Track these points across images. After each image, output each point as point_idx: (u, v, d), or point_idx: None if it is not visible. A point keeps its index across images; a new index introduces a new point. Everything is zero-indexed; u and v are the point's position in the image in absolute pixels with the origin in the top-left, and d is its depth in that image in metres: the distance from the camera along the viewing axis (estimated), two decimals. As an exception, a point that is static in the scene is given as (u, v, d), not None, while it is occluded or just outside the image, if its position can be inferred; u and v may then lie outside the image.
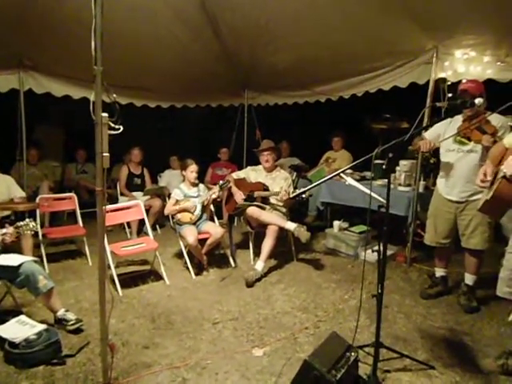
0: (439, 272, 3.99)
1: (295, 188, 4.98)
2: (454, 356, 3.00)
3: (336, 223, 5.16)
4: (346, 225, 5.18)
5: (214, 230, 4.50)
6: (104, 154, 1.91)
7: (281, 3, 3.99)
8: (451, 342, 3.20)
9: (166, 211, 4.68)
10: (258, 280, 4.27)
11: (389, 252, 4.83)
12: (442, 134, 3.66)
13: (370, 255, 4.69)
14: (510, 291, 2.62)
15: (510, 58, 3.99)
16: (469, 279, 3.77)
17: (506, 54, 3.97)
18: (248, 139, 7.18)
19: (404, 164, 4.78)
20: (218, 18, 4.55)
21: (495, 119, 3.36)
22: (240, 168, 5.98)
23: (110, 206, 4.32)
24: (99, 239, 2.24)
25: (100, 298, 2.29)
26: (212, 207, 4.89)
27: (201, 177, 6.45)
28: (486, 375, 2.78)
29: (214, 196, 4.57)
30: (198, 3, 4.25)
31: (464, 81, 3.67)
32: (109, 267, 3.97)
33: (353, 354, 2.53)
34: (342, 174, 2.56)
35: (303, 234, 4.28)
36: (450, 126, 3.62)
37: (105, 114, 1.93)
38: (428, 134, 3.79)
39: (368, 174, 5.42)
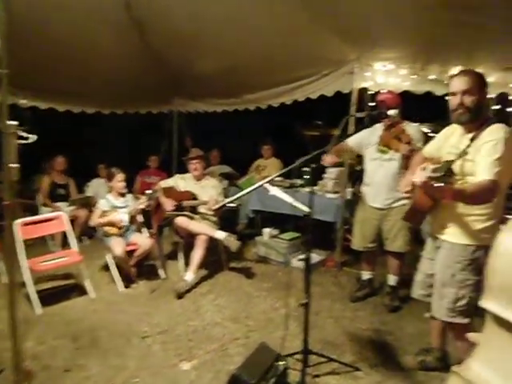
0: (366, 275, 4.13)
1: (225, 196, 4.95)
2: (378, 356, 3.12)
3: (266, 231, 5.19)
4: (276, 232, 5.21)
5: (142, 241, 4.37)
6: (12, 166, 1.77)
7: (209, 10, 3.94)
8: (376, 343, 3.32)
9: (91, 223, 4.47)
10: (188, 291, 4.18)
11: (319, 257, 4.96)
12: (365, 142, 3.80)
13: (301, 262, 4.80)
14: (424, 293, 2.72)
15: (424, 72, 4.23)
16: (392, 280, 3.94)
17: (421, 67, 4.21)
18: (178, 147, 7.07)
19: (331, 171, 4.92)
20: (144, 21, 4.44)
21: (410, 128, 3.57)
22: (170, 176, 5.85)
23: (28, 219, 4.06)
24: (10, 256, 2.08)
25: (11, 320, 2.11)
26: (141, 217, 4.73)
27: (129, 185, 6.27)
28: (407, 372, 2.92)
29: (141, 206, 4.44)
30: (123, 4, 4.11)
31: (383, 91, 3.85)
32: (24, 285, 3.71)
33: (282, 363, 2.54)
34: (265, 185, 2.57)
35: (233, 243, 4.27)
36: (372, 134, 3.77)
37: (13, 122, 1.79)
38: (351, 141, 3.91)
39: (298, 181, 5.51)
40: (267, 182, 2.45)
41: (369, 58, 4.45)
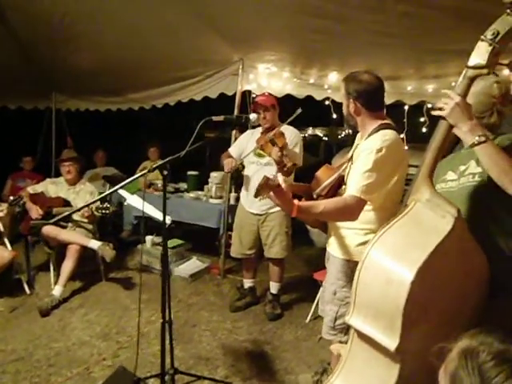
0: (247, 283, 4.03)
1: (107, 201, 4.60)
2: (253, 368, 3.02)
3: (148, 238, 4.91)
4: (159, 239, 4.95)
5: (0, 254, 3.87)
6: None
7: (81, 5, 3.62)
8: (253, 354, 3.23)
9: None
10: (56, 307, 3.78)
11: (203, 265, 4.80)
12: (245, 146, 3.71)
13: (184, 270, 4.63)
14: (322, 309, 2.52)
15: (305, 76, 4.26)
16: (273, 288, 3.88)
17: (301, 71, 4.23)
18: (57, 147, 6.49)
19: (215, 176, 4.76)
20: (7, 6, 3.95)
21: (289, 132, 3.48)
22: (49, 179, 5.33)
23: None
24: None
25: None
26: (1, 227, 4.20)
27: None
28: (281, 382, 2.87)
29: (0, 214, 3.94)
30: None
31: (265, 93, 3.80)
32: None
33: (140, 387, 2.33)
34: (120, 191, 2.33)
35: (108, 252, 3.94)
36: (252, 138, 3.66)
37: None
38: (232, 149, 3.82)
39: (183, 185, 5.31)
40: (121, 188, 2.20)
41: (252, 60, 4.39)
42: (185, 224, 4.99)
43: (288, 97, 4.47)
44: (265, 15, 3.49)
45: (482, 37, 1.46)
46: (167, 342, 2.40)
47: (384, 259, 1.45)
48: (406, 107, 4.15)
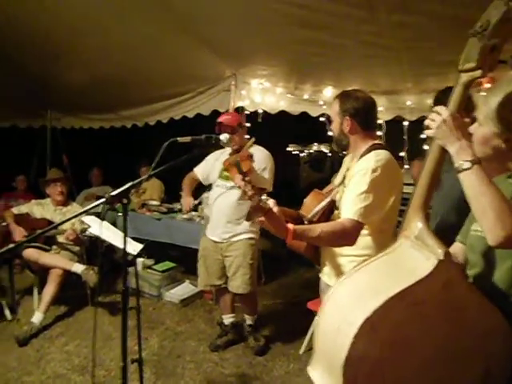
0: (227, 319, 3.58)
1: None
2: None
3: (139, 260, 4.69)
4: (151, 262, 4.73)
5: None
6: None
7: (55, 14, 3.46)
8: (239, 392, 2.98)
9: None
10: (35, 335, 3.57)
11: (196, 289, 4.57)
12: (212, 167, 3.46)
13: (174, 295, 4.40)
14: None
15: (299, 91, 4.07)
16: (249, 320, 3.57)
17: (294, 86, 4.04)
18: (52, 166, 6.35)
19: (206, 196, 4.52)
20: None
21: (258, 155, 3.22)
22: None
23: None
24: None
25: None
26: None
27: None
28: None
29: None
30: None
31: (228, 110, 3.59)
32: None
33: None
34: (83, 219, 2.15)
35: (91, 277, 3.74)
36: (220, 158, 3.37)
37: None
38: (198, 169, 3.57)
39: (177, 205, 5.10)
40: (84, 214, 2.00)
41: (245, 75, 4.23)
42: (177, 247, 4.78)
43: (283, 113, 4.30)
44: (252, 28, 3.32)
45: (471, 30, 1.17)
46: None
47: (343, 302, 1.24)
48: (406, 123, 3.91)
